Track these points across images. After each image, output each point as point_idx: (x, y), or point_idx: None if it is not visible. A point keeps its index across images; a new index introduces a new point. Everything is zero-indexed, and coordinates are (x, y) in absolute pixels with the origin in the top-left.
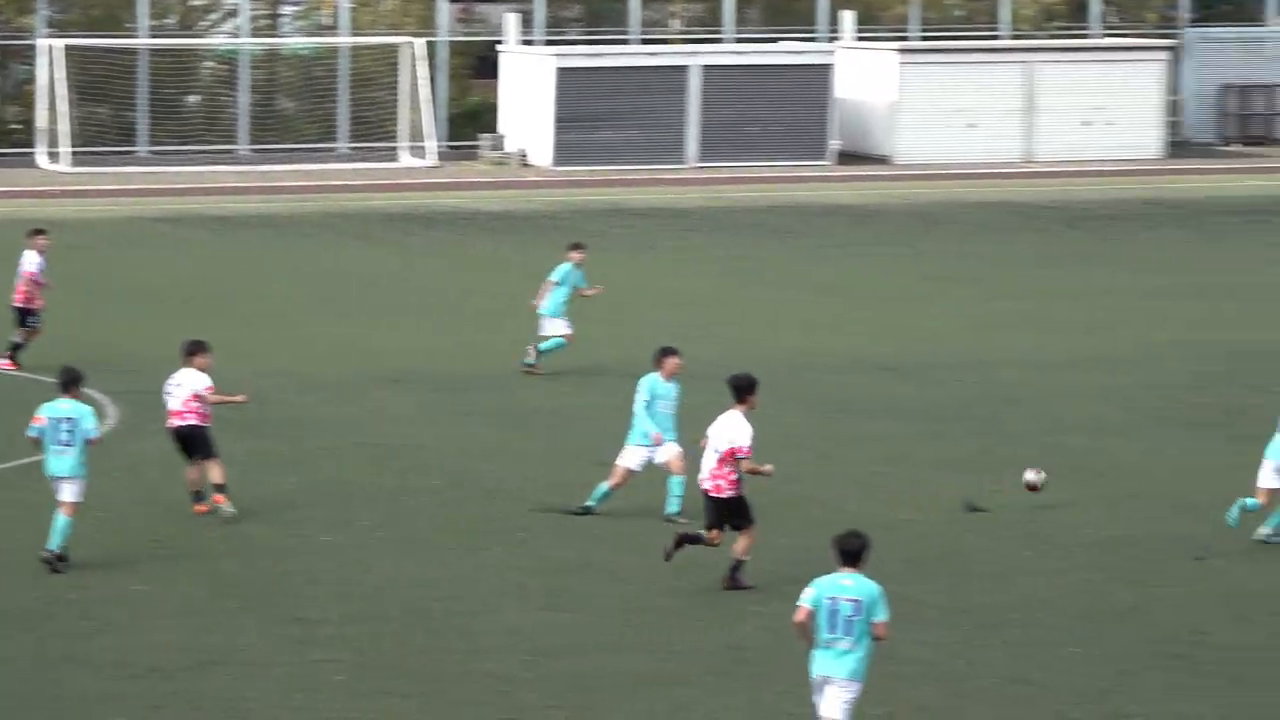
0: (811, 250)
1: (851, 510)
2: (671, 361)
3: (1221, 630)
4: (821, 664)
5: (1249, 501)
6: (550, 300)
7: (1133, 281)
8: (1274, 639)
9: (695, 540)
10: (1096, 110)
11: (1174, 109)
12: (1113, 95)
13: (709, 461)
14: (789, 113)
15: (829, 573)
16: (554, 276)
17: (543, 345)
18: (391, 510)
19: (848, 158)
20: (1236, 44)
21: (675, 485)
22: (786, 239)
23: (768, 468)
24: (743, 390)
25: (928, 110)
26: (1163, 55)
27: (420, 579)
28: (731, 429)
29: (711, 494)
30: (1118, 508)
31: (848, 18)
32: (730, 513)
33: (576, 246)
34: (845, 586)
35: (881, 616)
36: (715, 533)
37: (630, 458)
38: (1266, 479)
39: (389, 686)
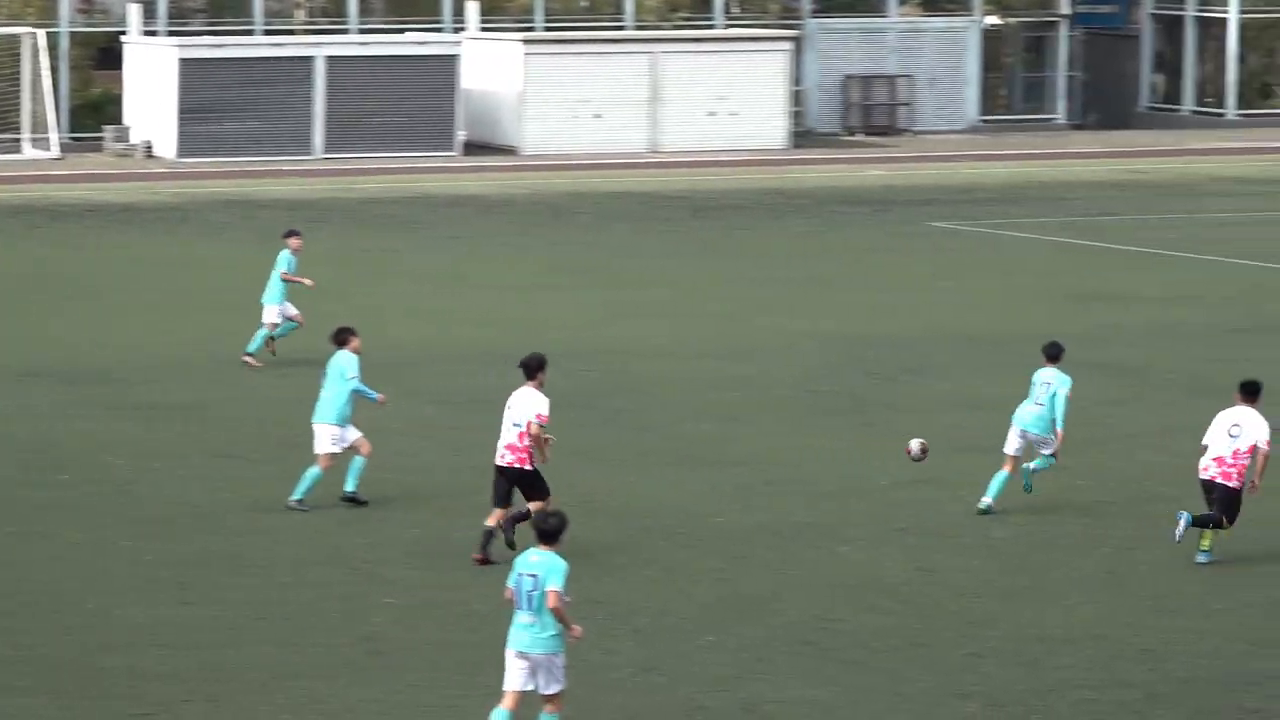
0: (441, 241)
1: (482, 501)
2: (356, 341)
3: (849, 617)
4: (512, 638)
5: (1031, 465)
6: (272, 288)
7: (759, 271)
8: (899, 625)
9: (522, 518)
10: (721, 101)
11: (797, 99)
12: (737, 86)
13: (508, 436)
14: (415, 104)
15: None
16: (281, 265)
17: (277, 332)
18: (18, 506)
19: (475, 148)
20: (858, 35)
21: (359, 465)
22: (416, 230)
23: (550, 438)
24: (533, 369)
25: (554, 101)
26: (786, 46)
27: (48, 575)
28: (532, 403)
29: (510, 466)
30: (749, 496)
31: (472, 8)
32: (526, 485)
33: (292, 234)
34: (532, 563)
35: (553, 585)
36: (500, 512)
37: (324, 441)
38: (1011, 445)
39: (16, 684)
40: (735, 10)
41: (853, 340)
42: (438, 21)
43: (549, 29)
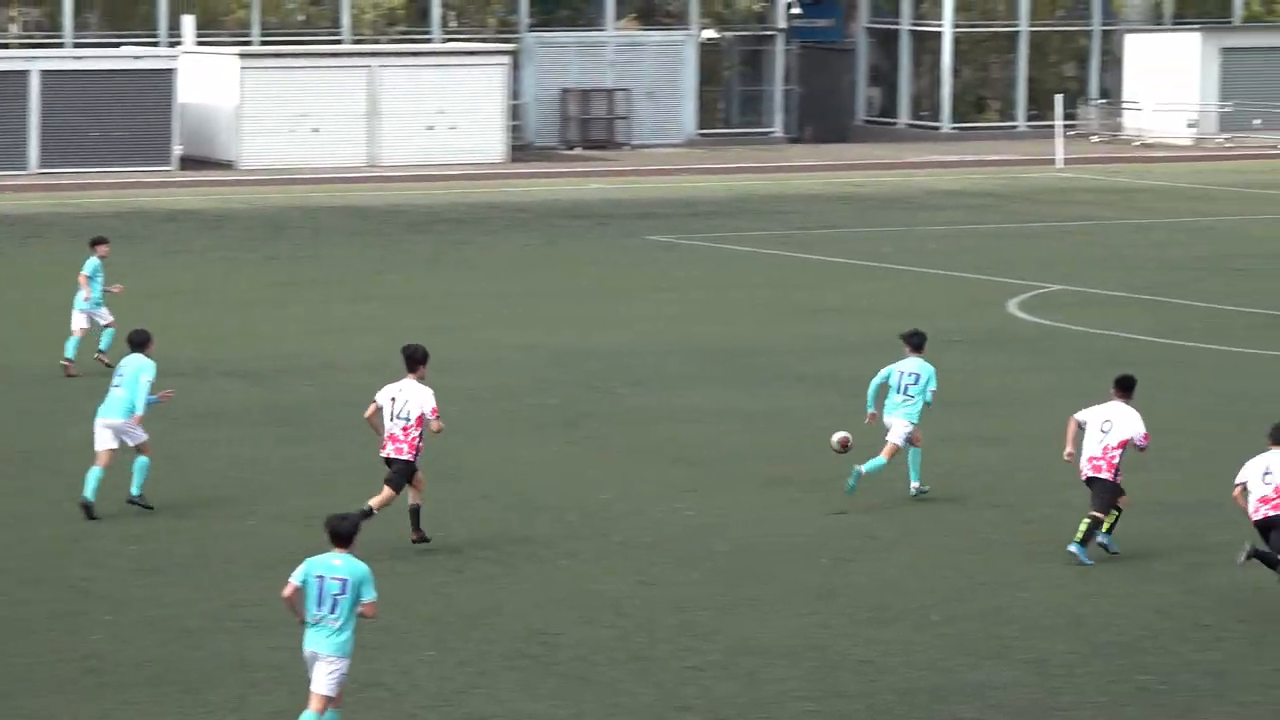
0: (161, 256)
1: (204, 516)
2: (152, 346)
3: (570, 630)
4: (311, 640)
5: (863, 467)
6: (91, 293)
7: (478, 285)
8: (620, 638)
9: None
10: (439, 115)
11: (515, 113)
12: (455, 100)
13: (393, 428)
14: (132, 118)
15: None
16: (86, 271)
17: (102, 344)
18: None
19: (193, 163)
20: (576, 49)
21: (143, 467)
22: (134, 245)
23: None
24: (416, 360)
25: (271, 115)
26: (503, 60)
27: None
28: (420, 397)
29: (396, 456)
30: (468, 510)
31: (188, 22)
32: (405, 474)
33: (99, 241)
34: (335, 566)
35: (370, 596)
36: (391, 494)
37: (106, 438)
38: (894, 434)
39: None
40: (453, 24)
41: (572, 353)
42: (153, 35)
43: (266, 43)
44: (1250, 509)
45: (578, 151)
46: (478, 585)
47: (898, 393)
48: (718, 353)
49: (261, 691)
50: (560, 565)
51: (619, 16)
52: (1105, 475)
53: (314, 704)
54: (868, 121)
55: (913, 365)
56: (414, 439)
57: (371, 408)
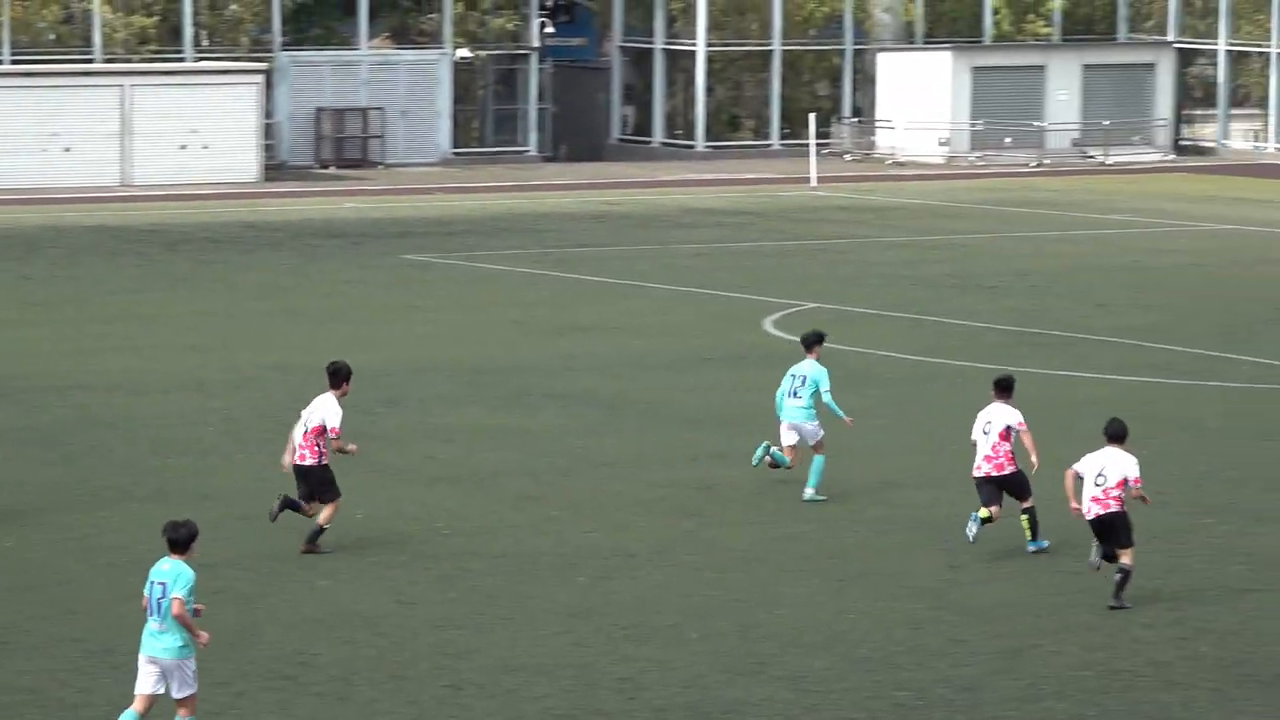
0: None
1: None
2: None
3: (327, 650)
4: (144, 643)
5: (776, 453)
6: None
7: (233, 304)
8: (378, 657)
9: (295, 507)
10: (192, 134)
11: (269, 132)
12: (208, 119)
13: (298, 436)
14: None
15: None
16: None
17: None
18: None
19: None
20: (330, 68)
21: None
22: None
23: (352, 447)
24: (340, 377)
25: (22, 134)
26: (256, 79)
27: None
28: (326, 409)
29: (299, 462)
30: (224, 531)
31: None
32: (316, 482)
33: None
34: (162, 571)
35: (177, 593)
36: (309, 505)
37: None
38: (787, 438)
39: None
40: (205, 43)
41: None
42: None
43: (16, 62)
44: (1085, 508)
45: (332, 171)
46: (235, 605)
47: (790, 395)
48: (474, 371)
49: (13, 714)
50: (318, 585)
51: (373, 35)
52: (1005, 472)
53: (138, 704)
54: (622, 140)
55: (804, 368)
56: (314, 445)
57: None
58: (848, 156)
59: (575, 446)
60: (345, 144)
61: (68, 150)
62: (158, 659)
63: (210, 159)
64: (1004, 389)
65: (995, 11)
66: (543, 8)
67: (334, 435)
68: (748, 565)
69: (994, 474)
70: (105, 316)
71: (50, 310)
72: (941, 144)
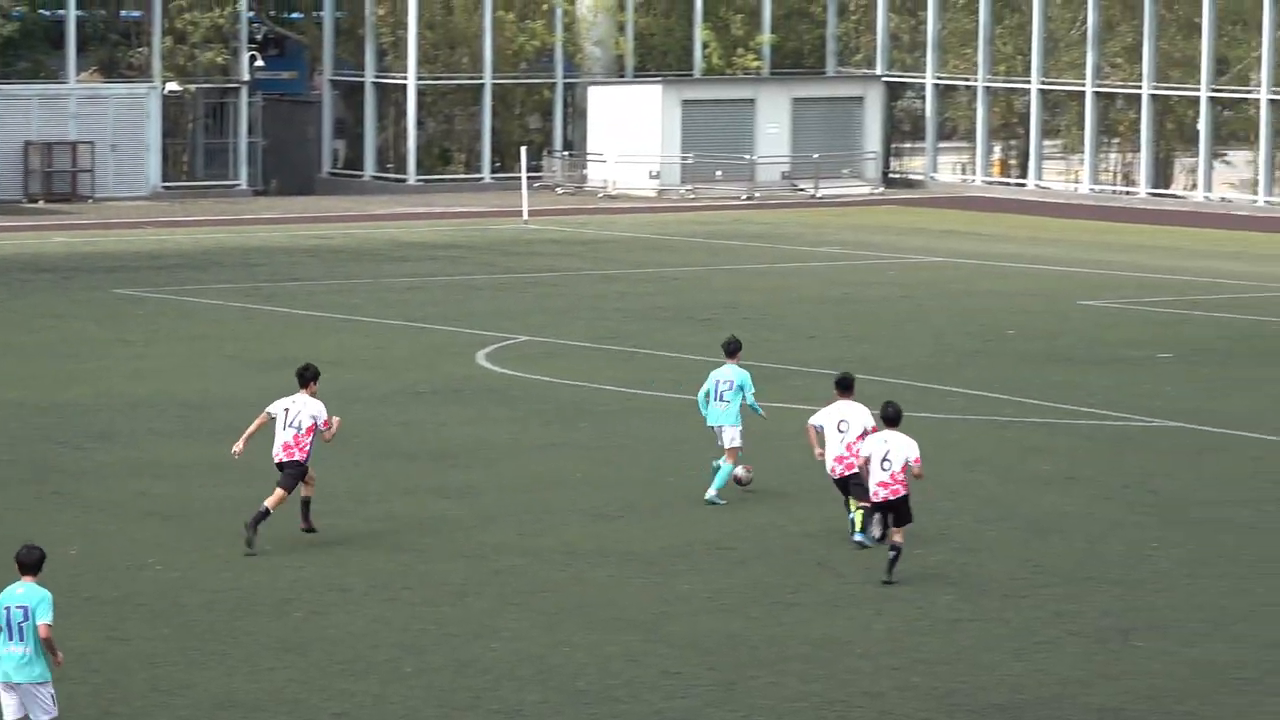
0: None
1: None
2: None
3: None
4: (3, 671)
5: (721, 465)
6: None
7: None
8: (90, 695)
9: (264, 517)
10: None
11: None
12: None
13: (285, 436)
14: None
15: None
16: None
17: None
18: None
19: None
20: (38, 101)
21: None
22: None
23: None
24: (307, 378)
25: None
26: None
27: None
28: (311, 408)
29: (289, 459)
30: None
31: None
32: (300, 474)
33: None
34: (18, 595)
35: (44, 619)
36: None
37: None
38: (729, 440)
39: None
40: None
41: (36, 408)
42: None
43: None
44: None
45: (41, 204)
46: None
47: (717, 400)
48: (187, 406)
49: None
50: None
51: (81, 69)
52: (856, 472)
53: None
54: (333, 174)
55: (727, 373)
56: (305, 445)
57: (261, 418)
58: (560, 190)
59: None
60: (54, 178)
61: None
62: (18, 685)
63: None
64: (845, 387)
65: (705, 45)
66: (252, 41)
67: (326, 427)
68: (463, 599)
69: (846, 474)
70: None
71: None
72: (653, 177)
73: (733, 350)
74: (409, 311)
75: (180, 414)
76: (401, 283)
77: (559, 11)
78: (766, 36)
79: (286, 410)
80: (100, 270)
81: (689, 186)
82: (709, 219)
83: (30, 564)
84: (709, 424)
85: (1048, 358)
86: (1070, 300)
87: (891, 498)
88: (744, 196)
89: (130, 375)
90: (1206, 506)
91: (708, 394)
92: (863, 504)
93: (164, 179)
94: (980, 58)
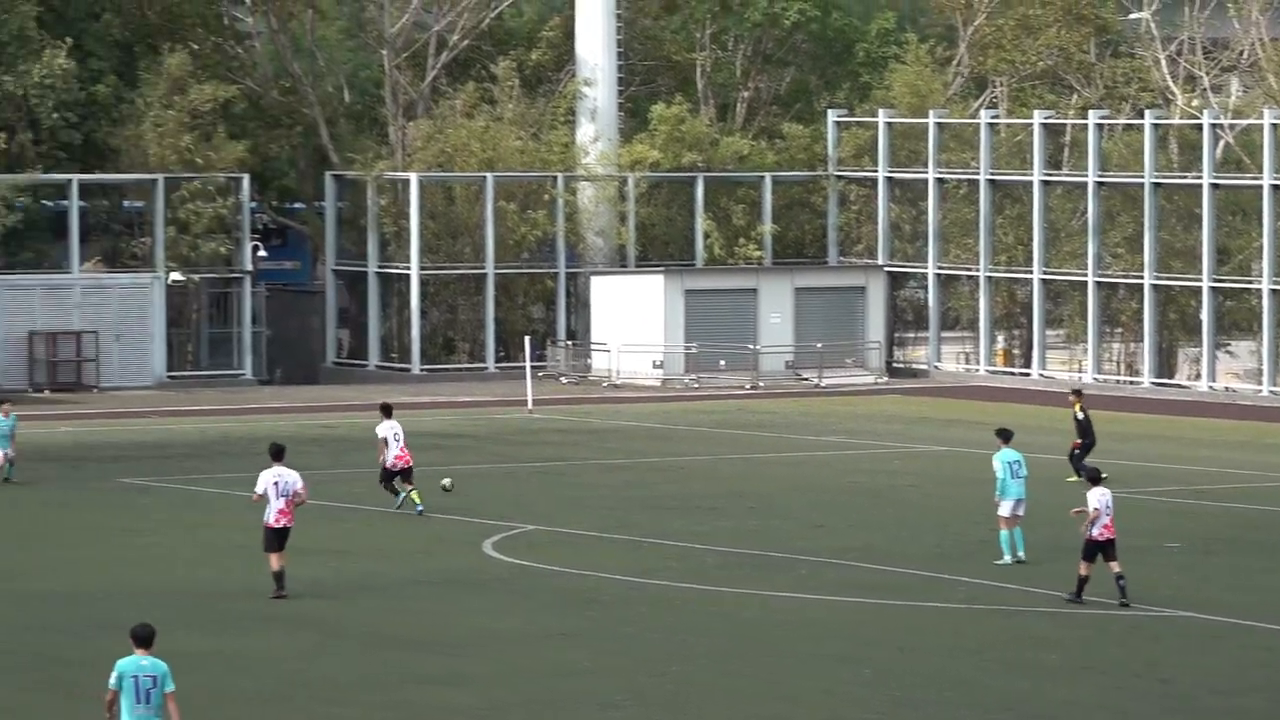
0: None
1: None
2: None
3: None
4: None
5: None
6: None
7: None
8: None
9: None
10: None
11: None
12: None
13: (283, 503)
14: None
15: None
16: None
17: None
18: None
19: None
20: (42, 291)
21: None
22: None
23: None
24: (282, 450)
25: None
26: None
27: None
28: (293, 478)
29: (288, 525)
30: None
31: None
32: (286, 537)
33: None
34: (141, 665)
35: (171, 687)
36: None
37: None
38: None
39: None
40: None
41: (42, 598)
42: None
43: None
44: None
45: (46, 394)
46: None
47: (1013, 478)
48: (191, 595)
49: None
50: None
51: (84, 259)
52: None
53: None
54: (337, 363)
55: (1011, 454)
56: (291, 511)
57: (259, 490)
58: (564, 379)
59: (298, 670)
60: (59, 367)
61: None
62: None
63: None
64: (1007, 437)
65: (706, 235)
66: (255, 231)
67: (304, 490)
68: None
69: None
70: None
71: None
72: (656, 366)
73: (1009, 436)
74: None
75: (184, 602)
76: None
77: (560, 201)
78: (768, 226)
79: (276, 483)
80: (106, 460)
81: (693, 376)
82: (713, 408)
83: (146, 638)
84: (1009, 497)
85: (1054, 547)
86: (1077, 490)
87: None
88: (748, 385)
89: (136, 564)
90: (1218, 696)
91: (1008, 470)
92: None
93: (169, 369)
94: (981, 247)
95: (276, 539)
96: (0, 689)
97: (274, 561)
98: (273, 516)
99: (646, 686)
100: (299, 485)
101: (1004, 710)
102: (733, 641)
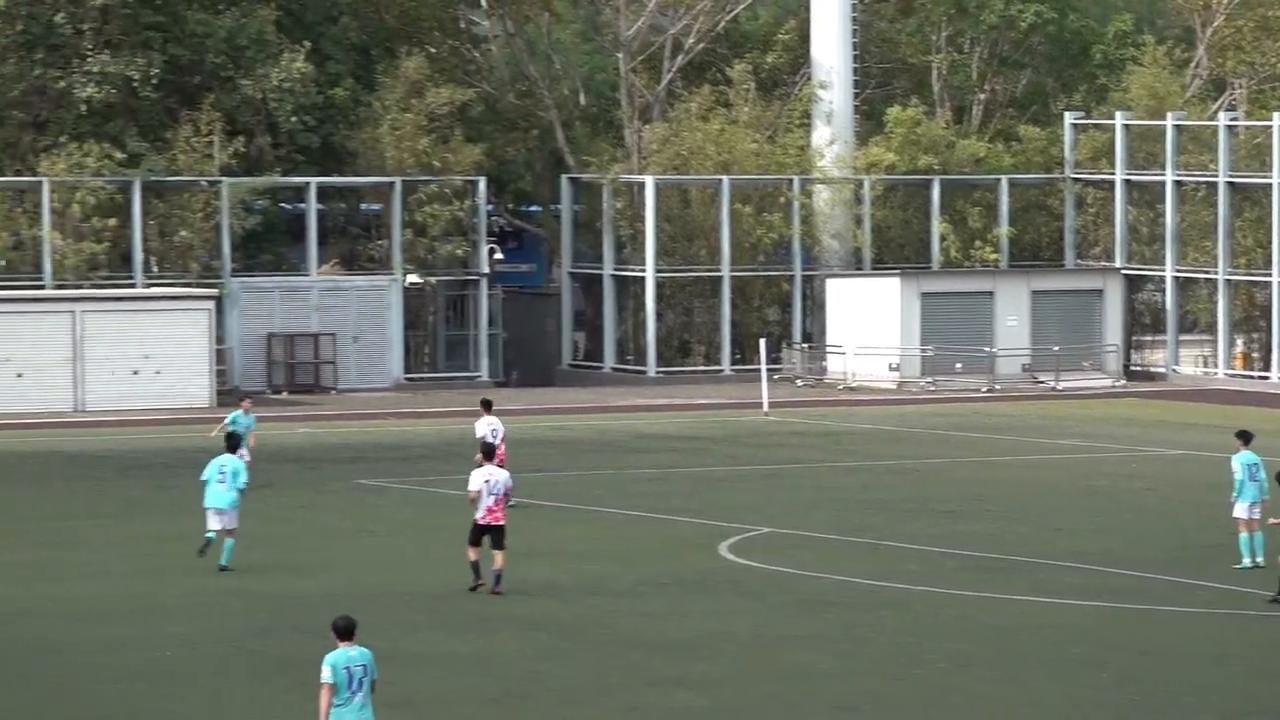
0: None
1: None
2: None
3: None
4: (348, 717)
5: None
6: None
7: (185, 529)
8: None
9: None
10: (145, 360)
11: (221, 357)
12: (159, 344)
13: (489, 501)
14: None
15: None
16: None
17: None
18: None
19: None
20: (280, 293)
21: None
22: None
23: None
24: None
25: None
26: (206, 304)
27: None
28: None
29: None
30: None
31: None
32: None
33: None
34: (350, 656)
35: (376, 675)
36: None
37: None
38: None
39: None
40: (155, 269)
41: (280, 597)
42: None
43: None
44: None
45: (285, 396)
46: None
47: (1250, 480)
48: (431, 596)
49: None
50: None
51: (321, 262)
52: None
53: None
54: (573, 366)
55: (1251, 456)
56: (501, 508)
57: (473, 488)
58: (799, 381)
59: (533, 671)
60: (297, 369)
61: (20, 376)
62: None
63: (162, 384)
64: (1247, 439)
65: (943, 238)
66: (491, 234)
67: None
68: None
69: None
70: (59, 543)
71: (4, 538)
72: (892, 369)
73: (1249, 438)
74: (651, 503)
75: (424, 604)
76: (643, 474)
77: (796, 204)
78: (1004, 229)
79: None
80: (343, 461)
81: (929, 379)
82: (949, 411)
83: (348, 629)
84: (1246, 499)
85: None
86: None
87: (493, 522)
88: (984, 389)
89: (375, 565)
90: None
91: (1247, 472)
92: None
93: (406, 370)
94: (1220, 250)
95: (480, 534)
96: (247, 689)
97: (471, 553)
98: (481, 513)
99: (886, 690)
100: (508, 484)
101: (1246, 717)
102: (972, 645)
